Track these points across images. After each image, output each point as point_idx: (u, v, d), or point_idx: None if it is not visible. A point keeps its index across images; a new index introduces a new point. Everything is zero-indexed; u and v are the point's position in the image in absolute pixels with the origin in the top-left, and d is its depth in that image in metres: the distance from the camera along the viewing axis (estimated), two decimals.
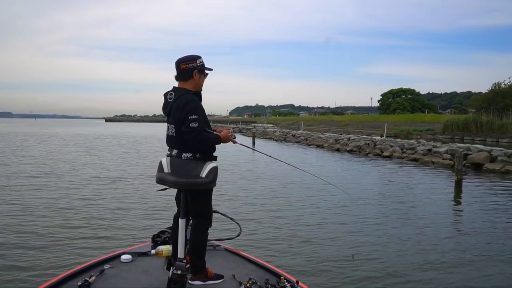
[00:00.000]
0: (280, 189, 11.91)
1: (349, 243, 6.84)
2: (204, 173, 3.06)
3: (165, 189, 3.28)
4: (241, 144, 3.72)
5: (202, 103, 3.28)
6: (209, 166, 3.09)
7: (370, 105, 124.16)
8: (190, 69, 3.22)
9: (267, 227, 7.73)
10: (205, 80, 3.37)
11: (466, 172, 15.04)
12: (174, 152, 3.19)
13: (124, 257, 3.61)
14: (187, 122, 3.04)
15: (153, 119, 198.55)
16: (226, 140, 3.30)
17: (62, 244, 6.47)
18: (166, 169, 3.15)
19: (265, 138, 41.45)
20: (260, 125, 72.86)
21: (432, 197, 11.07)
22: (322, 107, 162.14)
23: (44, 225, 7.55)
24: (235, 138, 3.43)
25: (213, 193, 3.33)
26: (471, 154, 17.43)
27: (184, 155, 3.14)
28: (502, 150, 17.43)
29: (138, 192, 11.13)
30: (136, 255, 3.70)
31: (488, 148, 18.21)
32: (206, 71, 3.34)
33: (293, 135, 38.52)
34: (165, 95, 3.29)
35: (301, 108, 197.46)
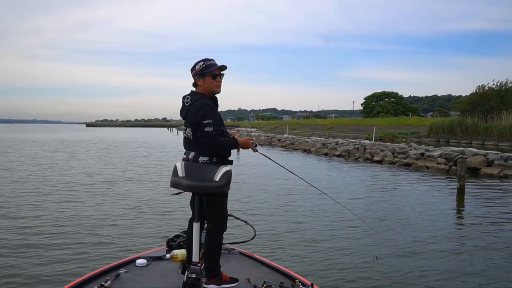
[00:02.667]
0: (291, 193, 11.82)
1: (363, 247, 6.76)
2: (217, 177, 3.08)
3: (179, 193, 3.29)
4: (262, 154, 3.63)
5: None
6: (223, 170, 3.11)
7: (352, 109, 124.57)
8: (194, 76, 3.29)
9: (281, 230, 7.69)
10: (219, 81, 3.33)
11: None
12: (191, 155, 3.22)
13: (140, 261, 3.63)
14: (202, 126, 3.11)
15: (135, 123, 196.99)
16: (244, 146, 3.37)
17: (77, 249, 6.43)
18: (181, 173, 3.18)
19: None
20: (243, 129, 72.06)
21: (434, 205, 10.28)
22: (305, 111, 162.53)
23: (57, 231, 7.46)
24: (256, 146, 3.44)
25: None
26: (466, 158, 16.78)
27: (201, 158, 3.18)
28: (498, 153, 16.84)
29: (152, 196, 11.09)
30: (151, 259, 3.72)
31: (483, 151, 17.59)
32: (214, 72, 3.27)
33: (279, 140, 37.69)
34: (183, 98, 3.35)
35: (283, 112, 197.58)
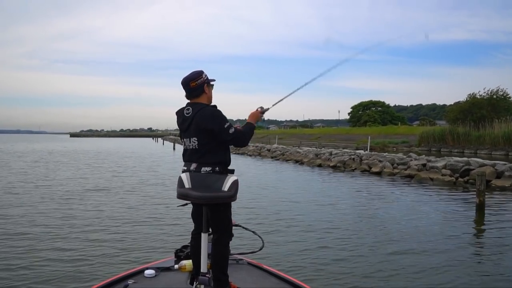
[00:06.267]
0: (297, 202, 11.95)
1: (375, 258, 6.65)
2: (226, 187, 3.10)
3: (186, 204, 3.39)
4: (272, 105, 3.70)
5: None
6: (231, 179, 3.14)
7: (338, 118, 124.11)
8: (200, 85, 3.35)
9: (290, 240, 7.61)
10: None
11: (472, 190, 13.51)
12: (193, 166, 3.22)
13: (148, 272, 3.61)
14: (225, 130, 3.21)
15: (121, 134, 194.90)
16: (255, 119, 3.56)
17: (84, 259, 6.34)
18: (187, 184, 3.15)
19: (238, 153, 39.10)
20: None
21: (453, 224, 9.13)
22: (291, 120, 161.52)
23: (63, 243, 7.34)
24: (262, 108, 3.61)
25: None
26: (473, 169, 15.82)
27: (203, 169, 3.19)
28: (506, 164, 15.83)
29: (158, 207, 11.03)
30: (159, 270, 3.69)
31: (490, 162, 16.63)
32: (212, 83, 3.43)
33: (268, 150, 36.50)
34: (180, 111, 3.40)
35: (270, 121, 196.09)
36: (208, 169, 3.17)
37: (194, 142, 3.24)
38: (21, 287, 5.33)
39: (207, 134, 3.20)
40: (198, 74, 3.36)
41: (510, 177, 14.65)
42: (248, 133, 3.37)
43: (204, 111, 3.25)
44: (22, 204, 11.14)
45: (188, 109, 3.32)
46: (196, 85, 3.33)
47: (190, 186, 3.14)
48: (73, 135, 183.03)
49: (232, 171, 3.30)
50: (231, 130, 3.22)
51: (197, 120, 3.22)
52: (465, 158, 17.92)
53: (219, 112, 3.28)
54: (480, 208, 10.08)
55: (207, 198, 3.02)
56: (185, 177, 3.19)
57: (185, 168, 3.28)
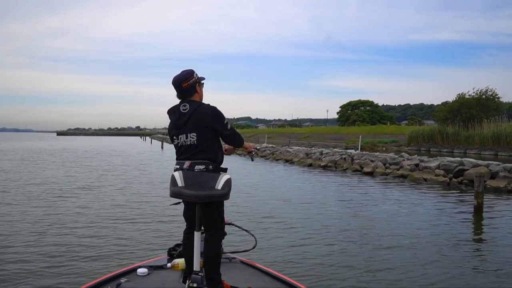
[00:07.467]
0: (290, 199, 12.08)
1: (367, 256, 6.65)
2: (219, 185, 3.11)
3: (179, 203, 3.31)
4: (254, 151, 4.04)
5: None
6: (224, 178, 3.15)
7: (326, 117, 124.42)
8: (193, 85, 3.36)
9: (283, 239, 7.63)
10: None
11: (466, 191, 13.37)
12: (186, 164, 3.20)
13: (140, 270, 3.61)
14: (225, 126, 3.33)
15: (108, 132, 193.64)
16: (248, 146, 3.78)
17: (75, 259, 6.30)
18: (180, 182, 3.14)
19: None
20: None
21: (444, 223, 8.93)
22: (279, 120, 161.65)
23: (56, 241, 7.28)
24: (254, 154, 4.09)
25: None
26: (467, 169, 15.65)
27: (197, 167, 3.18)
28: (499, 164, 15.67)
29: (150, 205, 10.95)
30: (152, 268, 3.70)
31: (485, 162, 16.44)
32: (202, 81, 3.47)
33: (258, 149, 36.20)
34: (175, 108, 3.36)
35: (258, 120, 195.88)
36: (201, 167, 3.17)
37: (193, 138, 3.22)
38: (12, 287, 5.24)
39: (207, 130, 3.23)
40: (190, 75, 3.35)
41: (505, 178, 14.41)
42: (240, 136, 3.50)
43: (204, 108, 3.28)
44: (8, 203, 10.89)
45: (184, 105, 3.30)
46: (188, 85, 3.33)
47: (183, 185, 3.11)
48: (60, 133, 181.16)
49: (225, 170, 3.30)
50: (229, 126, 3.34)
51: (198, 117, 3.23)
52: (458, 158, 17.73)
53: (218, 109, 3.34)
54: (478, 210, 9.84)
55: (201, 196, 3.00)
56: (178, 175, 3.16)
57: (178, 166, 3.25)
